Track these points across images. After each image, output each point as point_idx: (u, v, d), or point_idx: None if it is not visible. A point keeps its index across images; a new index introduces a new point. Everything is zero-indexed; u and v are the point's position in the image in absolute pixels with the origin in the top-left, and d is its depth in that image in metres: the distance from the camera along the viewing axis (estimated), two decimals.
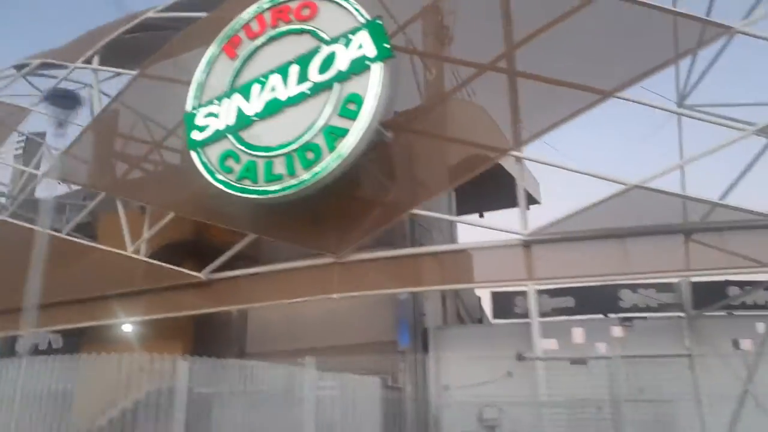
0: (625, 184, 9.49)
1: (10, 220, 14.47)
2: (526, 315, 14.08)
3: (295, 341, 13.83)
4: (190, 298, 12.89)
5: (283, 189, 9.91)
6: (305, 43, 10.43)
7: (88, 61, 13.61)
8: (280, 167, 10.01)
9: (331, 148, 9.63)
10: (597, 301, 13.44)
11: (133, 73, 13.01)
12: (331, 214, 11.19)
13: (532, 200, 14.18)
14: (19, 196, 17.24)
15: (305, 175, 9.75)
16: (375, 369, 12.45)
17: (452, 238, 16.43)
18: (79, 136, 13.44)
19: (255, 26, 11.07)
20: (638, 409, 10.85)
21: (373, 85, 9.52)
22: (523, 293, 14.11)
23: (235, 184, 10.33)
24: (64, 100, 6.86)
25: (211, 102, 10.97)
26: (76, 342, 16.90)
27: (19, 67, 16.30)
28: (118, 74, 14.54)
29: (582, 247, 10.11)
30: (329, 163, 9.57)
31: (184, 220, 13.45)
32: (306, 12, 10.60)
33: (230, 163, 10.47)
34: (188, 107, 11.21)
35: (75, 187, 20.34)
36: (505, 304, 14.03)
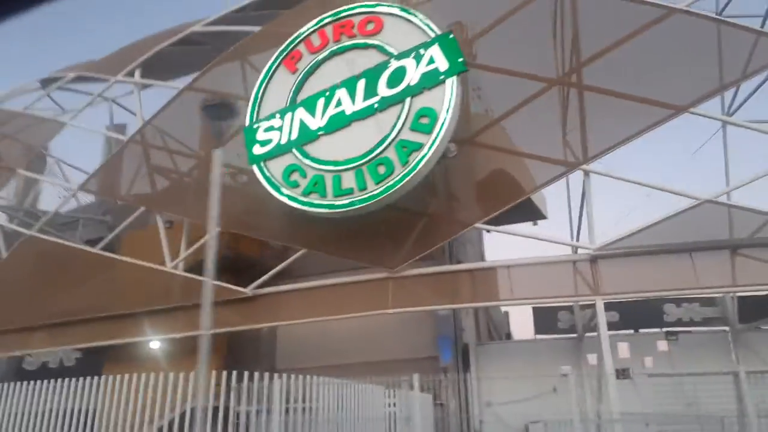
0: (698, 199, 9.57)
1: (38, 235, 14.09)
2: (569, 330, 14.13)
3: (326, 357, 13.66)
4: (232, 314, 12.66)
5: (353, 203, 9.81)
6: (371, 58, 10.40)
7: (131, 74, 13.40)
8: (349, 181, 9.92)
9: (404, 162, 9.57)
10: (641, 315, 13.50)
11: (176, 86, 12.83)
12: (389, 228, 11.12)
13: (539, 215, 14.24)
14: (30, 208, 16.93)
15: (377, 190, 9.67)
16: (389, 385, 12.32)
17: (482, 253, 16.48)
18: (118, 151, 13.20)
19: (316, 41, 11.01)
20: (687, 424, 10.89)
21: (447, 99, 9.51)
22: (568, 308, 14.21)
23: (301, 198, 10.20)
24: (219, 111, 6.71)
25: (272, 116, 10.85)
26: (95, 360, 16.49)
27: (45, 81, 16.02)
28: (145, 87, 14.44)
29: (648, 261, 10.13)
30: (402, 177, 9.51)
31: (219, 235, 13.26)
32: (371, 27, 10.59)
33: (296, 177, 10.34)
34: (247, 121, 11.07)
35: (84, 202, 20.10)
36: (547, 320, 14.00)
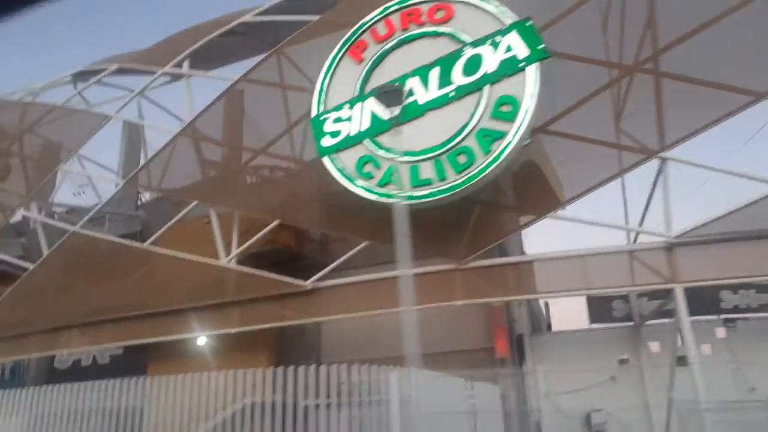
0: None
1: (85, 231, 13.80)
2: (625, 319, 14.08)
3: (373, 350, 13.46)
4: (288, 309, 12.50)
5: (432, 194, 9.65)
6: (443, 46, 10.24)
7: (179, 65, 13.10)
8: (427, 172, 9.76)
9: (486, 151, 9.43)
10: (697, 302, 13.44)
11: (228, 78, 12.57)
12: (457, 219, 10.99)
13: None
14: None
15: (458, 180, 9.52)
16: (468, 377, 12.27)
17: (520, 243, 16.39)
18: (167, 144, 12.94)
19: (382, 29, 10.82)
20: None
21: (529, 86, 9.38)
22: (623, 297, 14.15)
23: (377, 189, 10.02)
24: (390, 96, 6.50)
25: (340, 107, 10.65)
26: (132, 358, 16.27)
27: (77, 75, 15.66)
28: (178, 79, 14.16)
29: (725, 248, 10.09)
30: (486, 165, 9.36)
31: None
32: (441, 14, 10.42)
33: (369, 168, 10.17)
34: (314, 112, 10.86)
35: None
36: (602, 309, 13.93)
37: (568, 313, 13.83)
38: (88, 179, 16.05)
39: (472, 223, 11.06)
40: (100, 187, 18.40)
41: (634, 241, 12.49)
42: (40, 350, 14.27)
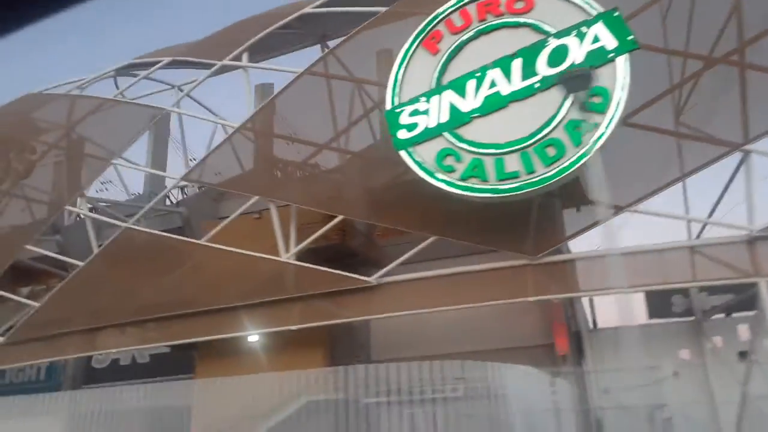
0: None
1: (138, 227, 13.47)
2: (685, 314, 14.00)
3: (425, 347, 13.32)
4: (348, 306, 12.28)
5: (521, 187, 9.46)
6: (524, 37, 10.05)
7: (237, 58, 12.80)
8: (514, 164, 9.57)
9: (577, 143, 9.27)
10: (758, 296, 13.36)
11: (292, 70, 12.31)
12: (534, 213, 10.83)
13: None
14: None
15: (549, 172, 9.34)
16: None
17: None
18: (226, 139, 12.66)
19: (458, 21, 10.62)
20: None
21: (620, 77, 9.22)
22: (682, 292, 14.05)
23: (459, 183, 9.82)
24: (579, 82, 6.30)
25: (416, 99, 10.43)
26: (174, 356, 15.98)
27: (121, 69, 15.31)
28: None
29: None
30: (578, 158, 9.20)
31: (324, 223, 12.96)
32: (520, 5, 10.23)
33: (450, 161, 9.95)
34: (388, 105, 10.64)
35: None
36: (661, 303, 13.84)
37: (616, 309, 13.62)
38: (117, 173, 15.73)
39: (546, 216, 10.92)
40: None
41: (698, 236, 12.42)
42: (82, 350, 13.90)
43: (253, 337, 13.80)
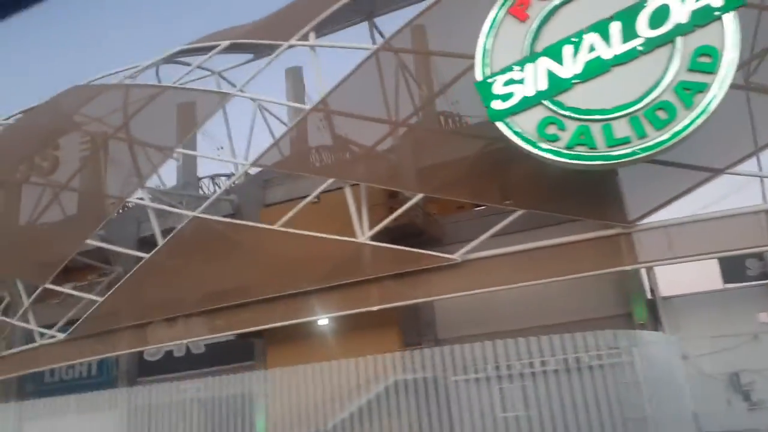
0: None
1: (205, 216, 13.06)
2: (759, 277, 14.03)
3: (493, 323, 13.25)
4: (427, 284, 12.09)
5: (634, 153, 9.27)
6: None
7: (305, 38, 12.36)
8: (623, 130, 9.37)
9: (689, 105, 9.09)
10: None
11: (364, 47, 11.94)
12: (627, 180, 10.70)
13: None
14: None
15: (661, 136, 9.15)
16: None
17: None
18: (299, 120, 12.25)
19: None
20: None
21: (729, 35, 9.03)
22: (757, 255, 14.05)
23: (565, 151, 9.60)
24: None
25: (509, 68, 10.16)
26: (237, 345, 15.72)
27: (168, 58, 14.75)
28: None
29: None
30: (692, 120, 9.03)
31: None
32: None
33: (553, 130, 9.72)
34: (478, 76, 10.35)
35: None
36: (735, 268, 13.83)
37: (690, 276, 13.61)
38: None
39: (637, 183, 10.78)
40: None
41: None
42: (159, 341, 13.54)
43: (323, 321, 13.59)
